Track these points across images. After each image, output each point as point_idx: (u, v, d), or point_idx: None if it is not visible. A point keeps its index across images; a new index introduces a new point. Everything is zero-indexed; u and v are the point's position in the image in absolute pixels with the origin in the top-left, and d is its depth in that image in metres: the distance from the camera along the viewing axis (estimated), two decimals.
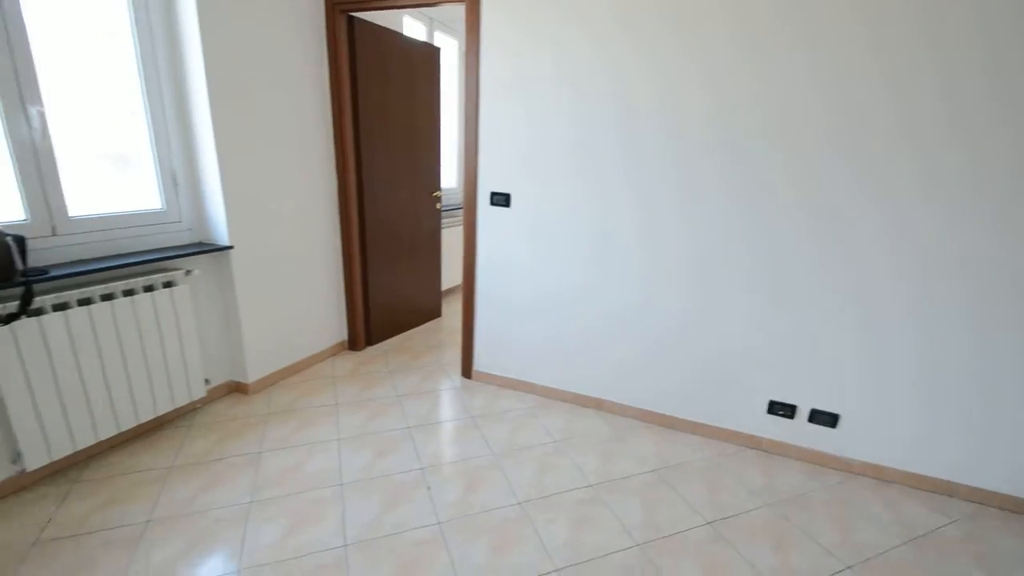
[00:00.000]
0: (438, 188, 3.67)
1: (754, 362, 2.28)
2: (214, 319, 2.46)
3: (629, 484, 2.07)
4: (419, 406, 2.61)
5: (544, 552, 1.69)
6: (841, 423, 2.20)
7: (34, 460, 1.78)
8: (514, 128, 2.42)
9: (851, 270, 2.02)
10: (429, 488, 1.98)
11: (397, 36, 3.02)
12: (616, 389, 2.59)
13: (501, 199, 2.53)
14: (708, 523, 1.87)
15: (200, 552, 1.62)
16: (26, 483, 1.85)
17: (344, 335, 3.25)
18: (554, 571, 1.62)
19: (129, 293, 1.99)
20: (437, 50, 3.37)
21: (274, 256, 2.61)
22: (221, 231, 2.33)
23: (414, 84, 3.24)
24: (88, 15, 1.90)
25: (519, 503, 1.92)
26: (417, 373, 2.99)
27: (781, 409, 2.28)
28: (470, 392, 2.79)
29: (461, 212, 4.63)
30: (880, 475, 2.18)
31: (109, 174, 2.06)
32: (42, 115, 1.75)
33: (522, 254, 2.58)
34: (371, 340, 3.35)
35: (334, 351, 3.19)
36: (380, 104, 2.99)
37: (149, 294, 2.03)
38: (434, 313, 3.95)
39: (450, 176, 4.67)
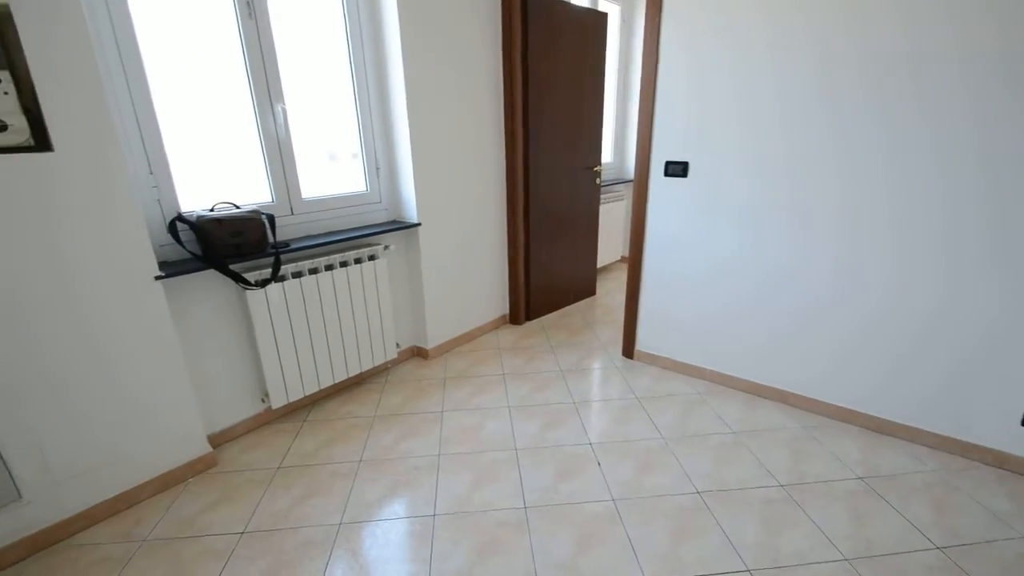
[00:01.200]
0: (599, 163, 3.60)
1: (1006, 360, 1.83)
2: (403, 289, 2.75)
3: (829, 490, 1.83)
4: (582, 382, 2.62)
5: (731, 549, 1.58)
6: None
7: (277, 400, 2.17)
8: (695, 92, 2.23)
9: None
10: (599, 464, 1.98)
11: (567, 6, 2.98)
12: (806, 381, 2.29)
13: (678, 169, 2.37)
14: (938, 548, 1.57)
15: (402, 493, 1.83)
16: (270, 418, 2.28)
17: (505, 309, 3.40)
18: (745, 571, 1.50)
19: (344, 264, 2.30)
20: (604, 16, 3.25)
21: (451, 233, 2.81)
22: (411, 210, 2.57)
23: (581, 55, 3.18)
24: (312, 30, 2.19)
25: (697, 492, 1.82)
26: (577, 350, 3.00)
27: None
28: (632, 372, 2.72)
29: (617, 187, 4.50)
30: None
31: (329, 163, 2.39)
32: (285, 112, 2.08)
33: (698, 228, 2.40)
34: (530, 315, 3.45)
35: (496, 324, 3.35)
36: (548, 81, 2.99)
37: (358, 266, 2.32)
38: (589, 291, 3.93)
39: (606, 150, 4.55)
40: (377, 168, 2.50)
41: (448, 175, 2.70)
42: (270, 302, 2.04)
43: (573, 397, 2.47)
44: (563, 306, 3.71)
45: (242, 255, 1.90)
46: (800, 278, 2.18)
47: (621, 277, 4.44)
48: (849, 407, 2.21)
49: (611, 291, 4.08)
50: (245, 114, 2.01)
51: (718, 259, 2.38)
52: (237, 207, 1.95)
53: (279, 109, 2.06)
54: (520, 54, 2.82)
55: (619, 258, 4.82)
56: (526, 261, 3.28)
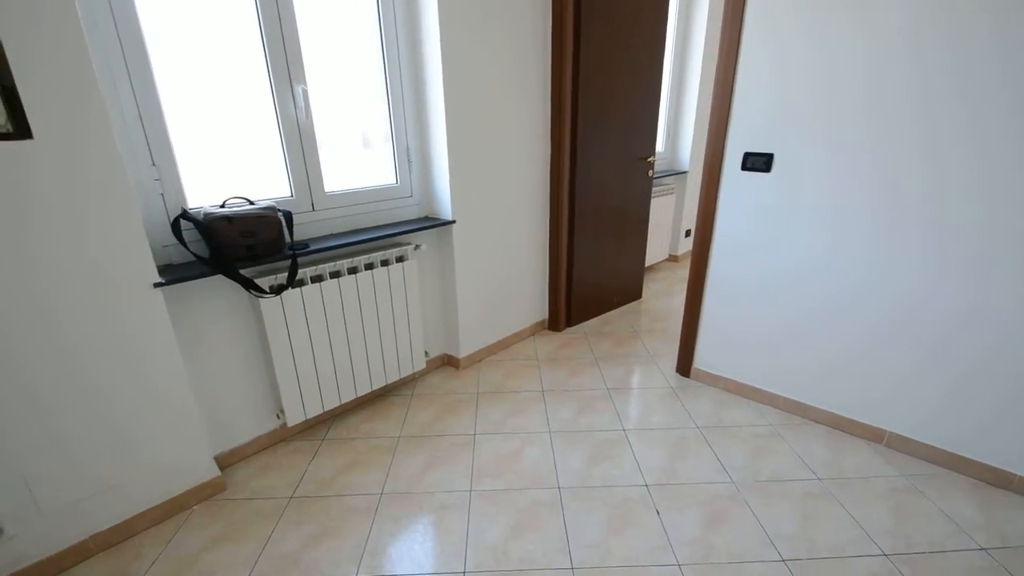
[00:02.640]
0: (653, 153, 3.23)
1: None
2: (433, 293, 2.49)
3: (949, 565, 1.48)
4: (632, 404, 2.31)
5: None
6: None
7: (293, 417, 1.96)
8: (786, 73, 1.86)
9: None
10: (659, 513, 1.68)
11: None
12: (907, 418, 1.92)
13: (759, 162, 2.00)
14: None
15: (428, 538, 1.58)
16: (286, 436, 2.07)
17: (544, 314, 3.10)
18: None
19: (370, 267, 2.05)
20: None
21: (488, 231, 2.52)
22: (445, 206, 2.30)
23: (639, 30, 2.81)
24: (341, 5, 1.92)
25: (783, 561, 1.50)
26: (624, 363, 2.69)
27: None
28: (690, 394, 2.39)
29: (667, 180, 4.11)
30: None
31: (355, 151, 2.13)
32: (306, 94, 1.82)
33: (778, 230, 2.03)
34: (570, 321, 3.14)
35: (534, 330, 3.06)
36: (601, 57, 2.64)
37: (386, 268, 2.07)
38: (635, 294, 3.58)
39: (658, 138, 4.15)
40: (409, 159, 2.23)
41: (487, 166, 2.41)
42: (286, 310, 1.81)
43: (623, 423, 2.17)
44: (607, 310, 3.39)
45: (255, 258, 1.67)
46: (888, 291, 1.80)
47: (669, 278, 4.07)
48: (961, 453, 1.83)
49: (658, 294, 3.73)
50: (261, 96, 1.77)
51: (799, 265, 2.02)
52: (251, 203, 1.72)
53: (299, 91, 1.80)
54: (572, 26, 2.48)
55: (666, 257, 4.44)
56: (569, 261, 2.97)
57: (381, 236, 2.02)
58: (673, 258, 4.53)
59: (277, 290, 1.76)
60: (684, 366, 2.53)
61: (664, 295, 3.70)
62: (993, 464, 1.78)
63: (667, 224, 4.24)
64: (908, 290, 1.80)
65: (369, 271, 2.03)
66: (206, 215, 1.59)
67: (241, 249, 1.63)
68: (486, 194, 2.44)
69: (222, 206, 1.67)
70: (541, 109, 2.61)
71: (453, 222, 2.29)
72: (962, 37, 1.52)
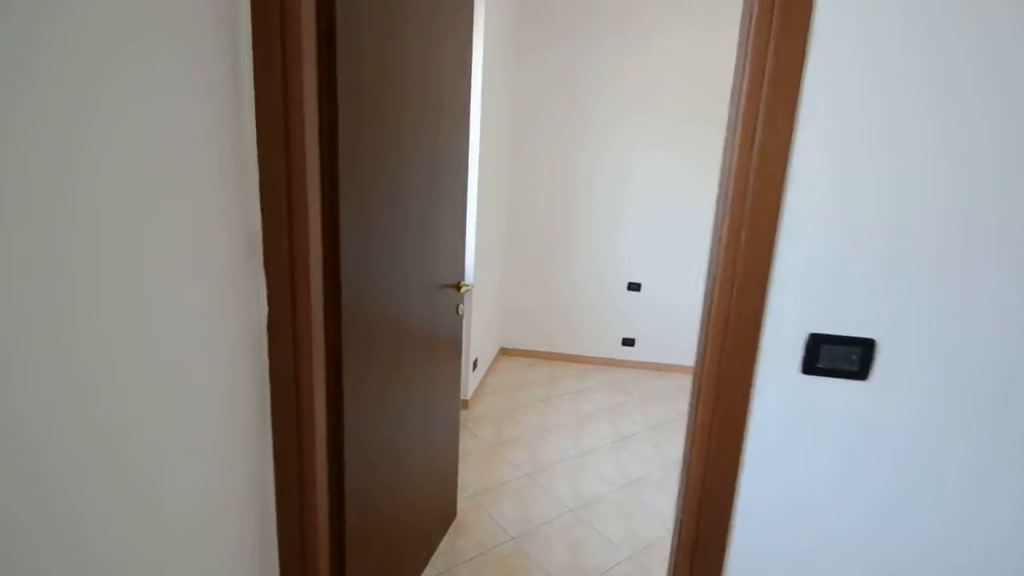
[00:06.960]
0: (462, 275, 1.87)
1: None
2: None
3: None
4: None
5: None
6: None
7: None
8: (903, 171, 0.79)
9: None
10: None
11: None
12: None
13: (845, 357, 0.84)
14: None
15: None
16: None
17: None
18: None
19: None
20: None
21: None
22: None
23: (438, 53, 1.48)
24: None
25: None
26: None
27: None
28: None
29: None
30: None
31: None
32: None
33: (891, 498, 0.90)
34: None
35: None
36: (379, 90, 1.18)
37: None
38: (448, 514, 2.02)
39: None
40: None
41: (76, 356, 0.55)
42: None
43: None
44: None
45: None
46: None
47: (470, 446, 2.68)
48: None
49: (473, 493, 2.27)
50: None
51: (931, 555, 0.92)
52: None
53: None
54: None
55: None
56: (338, 518, 1.23)
57: None
58: (464, 404, 3.18)
59: None
60: None
61: (481, 495, 2.26)
62: None
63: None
64: None
65: None
66: None
67: None
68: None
69: None
70: (228, 188, 0.93)
71: None
72: None
